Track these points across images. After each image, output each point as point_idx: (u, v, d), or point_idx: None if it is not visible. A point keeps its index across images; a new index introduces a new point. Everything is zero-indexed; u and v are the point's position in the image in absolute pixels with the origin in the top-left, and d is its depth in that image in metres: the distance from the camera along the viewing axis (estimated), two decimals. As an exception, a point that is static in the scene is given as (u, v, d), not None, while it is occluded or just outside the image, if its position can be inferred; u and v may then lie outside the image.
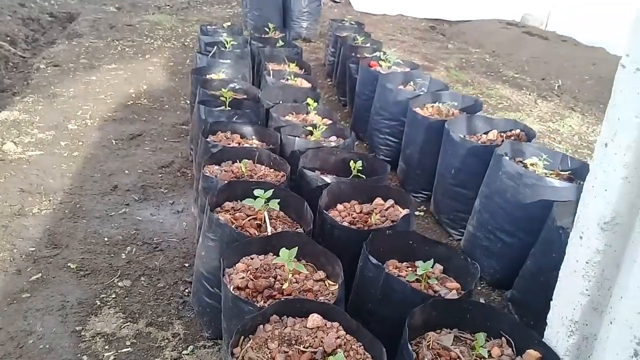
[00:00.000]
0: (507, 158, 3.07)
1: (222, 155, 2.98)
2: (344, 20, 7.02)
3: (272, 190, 2.35)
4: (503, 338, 1.85)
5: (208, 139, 3.18)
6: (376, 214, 2.61)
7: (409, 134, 3.91)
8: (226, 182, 2.58)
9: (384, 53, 4.88)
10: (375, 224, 2.56)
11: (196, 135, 3.67)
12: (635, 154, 1.45)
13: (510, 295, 2.80)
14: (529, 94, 6.74)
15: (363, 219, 2.62)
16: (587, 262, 1.59)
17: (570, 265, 1.67)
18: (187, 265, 2.90)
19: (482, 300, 2.85)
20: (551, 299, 1.87)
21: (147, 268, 2.84)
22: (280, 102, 4.19)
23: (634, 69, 1.45)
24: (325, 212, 2.48)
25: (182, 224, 3.29)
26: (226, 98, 3.72)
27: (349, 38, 6.07)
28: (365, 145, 4.72)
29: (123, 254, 2.93)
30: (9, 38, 7.15)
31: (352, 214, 2.65)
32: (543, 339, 1.79)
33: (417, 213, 3.68)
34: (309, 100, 3.80)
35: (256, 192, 2.34)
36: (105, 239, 3.05)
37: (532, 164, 2.93)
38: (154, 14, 9.31)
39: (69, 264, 2.79)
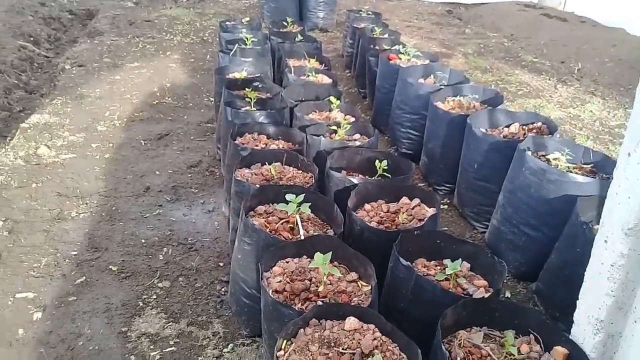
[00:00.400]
0: (530, 153, 3.13)
1: (251, 159, 3.08)
2: (361, 10, 7.05)
3: (303, 194, 2.45)
4: (531, 335, 1.94)
5: (236, 142, 3.28)
6: (403, 213, 2.70)
7: (431, 128, 3.98)
8: (258, 186, 2.69)
9: (403, 46, 4.92)
10: (403, 223, 2.65)
11: (224, 136, 3.78)
12: (658, 164, 1.51)
13: (535, 287, 2.89)
14: (549, 79, 6.72)
15: (390, 218, 2.71)
16: (612, 265, 1.67)
17: (595, 268, 1.75)
18: (221, 264, 3.02)
19: (508, 293, 2.94)
20: (576, 292, 1.96)
21: (184, 268, 2.97)
22: (303, 99, 4.28)
23: (655, 82, 1.51)
24: (354, 213, 2.58)
25: (214, 224, 3.42)
26: (251, 99, 3.82)
27: (367, 29, 6.11)
28: (387, 138, 4.80)
29: (160, 255, 3.06)
30: (32, 38, 7.31)
31: (379, 214, 2.74)
32: (570, 336, 1.88)
33: (441, 206, 3.76)
34: (332, 99, 3.88)
35: (288, 196, 2.45)
36: (142, 241, 3.19)
37: (555, 159, 2.99)
38: (172, 8, 9.40)
39: (110, 267, 2.93)
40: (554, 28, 8.76)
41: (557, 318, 2.67)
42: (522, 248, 3.03)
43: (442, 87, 4.21)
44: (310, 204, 2.45)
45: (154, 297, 2.75)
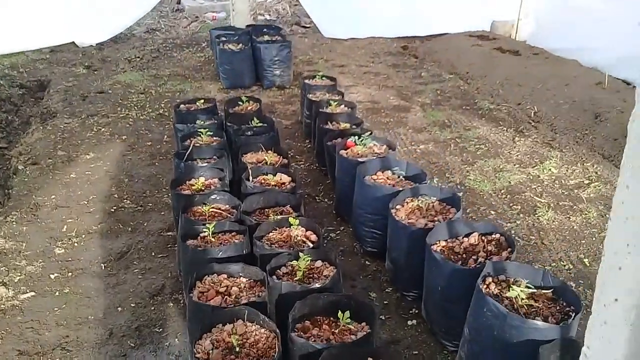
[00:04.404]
0: (490, 279, 3.16)
1: (212, 319, 3.03)
2: (316, 76, 7.01)
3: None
4: None
5: (196, 299, 3.22)
6: (369, 380, 2.69)
7: (393, 239, 3.98)
8: (220, 371, 2.64)
9: (359, 137, 4.91)
10: (370, 392, 2.64)
11: (183, 274, 3.72)
12: None
13: None
14: (506, 130, 6.81)
15: (357, 385, 2.70)
16: None
17: None
18: None
19: None
20: None
21: None
22: (262, 207, 4.28)
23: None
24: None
25: (181, 376, 3.36)
26: (209, 230, 3.76)
27: (322, 103, 6.10)
28: (350, 229, 4.79)
29: None
30: (-18, 128, 7.11)
31: (346, 381, 2.72)
32: None
33: (409, 323, 3.76)
34: (291, 220, 3.84)
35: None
36: (108, 411, 3.11)
37: (515, 297, 3.00)
38: (125, 71, 9.24)
39: None
40: (508, 64, 8.89)
41: None
42: (491, 385, 3.04)
43: (401, 189, 4.20)
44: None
45: None
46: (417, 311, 3.87)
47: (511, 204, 5.15)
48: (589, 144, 6.38)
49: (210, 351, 2.85)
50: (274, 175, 4.64)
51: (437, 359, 3.48)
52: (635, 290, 1.33)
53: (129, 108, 7.66)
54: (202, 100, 6.19)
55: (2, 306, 3.93)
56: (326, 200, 5.35)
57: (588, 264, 4.31)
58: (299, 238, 3.84)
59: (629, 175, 1.27)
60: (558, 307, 3.03)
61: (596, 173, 5.71)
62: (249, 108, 6.22)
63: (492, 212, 5.03)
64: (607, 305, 1.44)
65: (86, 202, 5.28)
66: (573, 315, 2.91)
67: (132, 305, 3.95)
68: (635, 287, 1.33)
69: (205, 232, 3.80)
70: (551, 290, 3.12)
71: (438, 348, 3.56)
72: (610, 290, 1.42)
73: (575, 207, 5.11)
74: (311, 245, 3.76)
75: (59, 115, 7.44)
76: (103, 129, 6.95)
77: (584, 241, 4.59)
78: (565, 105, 7.29)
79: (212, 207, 4.16)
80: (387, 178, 4.47)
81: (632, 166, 1.26)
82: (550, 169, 5.81)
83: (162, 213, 5.11)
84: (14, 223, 4.94)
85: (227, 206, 4.28)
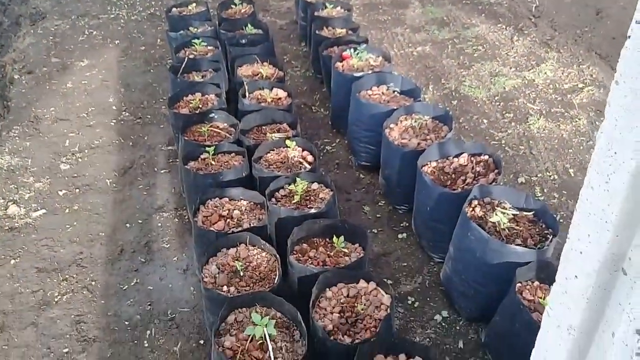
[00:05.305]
0: (476, 202, 3.37)
1: (218, 244, 3.26)
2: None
3: (268, 317, 2.71)
4: None
5: (201, 225, 3.42)
6: (361, 300, 2.98)
7: (386, 157, 4.13)
8: (228, 297, 2.92)
9: (355, 50, 4.86)
10: (362, 311, 2.93)
11: (187, 195, 3.92)
12: None
13: (484, 341, 3.25)
14: (506, 28, 6.70)
15: (350, 305, 2.98)
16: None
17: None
18: (202, 342, 3.31)
19: (460, 343, 3.29)
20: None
21: (169, 353, 3.26)
22: (259, 124, 4.38)
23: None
24: (317, 322, 2.83)
25: (189, 289, 3.65)
26: (209, 153, 3.89)
27: (318, 5, 5.95)
28: (345, 142, 4.91)
29: (145, 341, 3.32)
30: (-29, 29, 6.97)
31: (340, 300, 3.01)
32: None
33: (399, 236, 4.02)
34: (288, 142, 3.95)
35: (254, 317, 2.69)
36: (126, 322, 3.44)
37: (497, 222, 3.21)
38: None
39: (102, 363, 3.22)
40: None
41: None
42: (472, 298, 3.34)
43: (395, 107, 4.27)
44: (274, 321, 2.70)
45: (146, 394, 3.07)
46: (407, 224, 4.11)
47: (504, 112, 5.23)
48: (587, 43, 6.31)
49: (217, 275, 3.11)
50: (270, 90, 4.68)
51: (424, 269, 3.77)
52: (592, 273, 1.50)
53: (119, 7, 7.45)
54: (194, 4, 6.03)
55: (16, 224, 4.16)
56: (322, 110, 5.42)
57: (573, 174, 4.48)
58: (295, 159, 3.99)
59: (594, 178, 1.39)
60: (537, 229, 3.25)
61: (591, 76, 5.72)
62: (242, 11, 6.08)
63: (485, 121, 5.12)
64: (568, 279, 1.62)
65: (85, 115, 5.36)
66: (550, 238, 3.14)
67: (140, 221, 4.18)
68: (592, 270, 1.50)
69: (205, 154, 3.94)
70: (532, 212, 3.33)
71: (426, 260, 3.84)
72: (572, 268, 1.59)
73: (566, 114, 5.19)
74: (308, 166, 3.91)
75: (48, 16, 7.26)
76: (95, 32, 6.83)
77: (571, 150, 4.73)
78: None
79: (211, 127, 4.26)
80: (382, 93, 4.53)
81: (596, 172, 1.37)
82: (546, 72, 5.81)
83: (161, 126, 5.21)
84: (17, 138, 5.06)
85: (225, 124, 4.37)
